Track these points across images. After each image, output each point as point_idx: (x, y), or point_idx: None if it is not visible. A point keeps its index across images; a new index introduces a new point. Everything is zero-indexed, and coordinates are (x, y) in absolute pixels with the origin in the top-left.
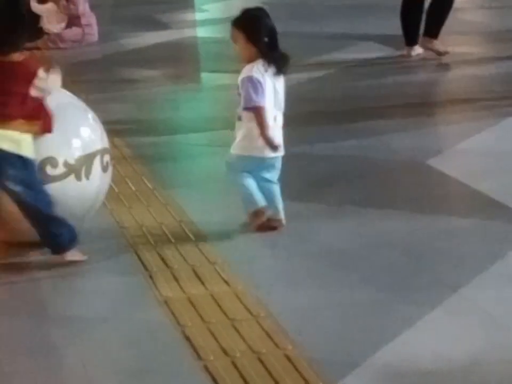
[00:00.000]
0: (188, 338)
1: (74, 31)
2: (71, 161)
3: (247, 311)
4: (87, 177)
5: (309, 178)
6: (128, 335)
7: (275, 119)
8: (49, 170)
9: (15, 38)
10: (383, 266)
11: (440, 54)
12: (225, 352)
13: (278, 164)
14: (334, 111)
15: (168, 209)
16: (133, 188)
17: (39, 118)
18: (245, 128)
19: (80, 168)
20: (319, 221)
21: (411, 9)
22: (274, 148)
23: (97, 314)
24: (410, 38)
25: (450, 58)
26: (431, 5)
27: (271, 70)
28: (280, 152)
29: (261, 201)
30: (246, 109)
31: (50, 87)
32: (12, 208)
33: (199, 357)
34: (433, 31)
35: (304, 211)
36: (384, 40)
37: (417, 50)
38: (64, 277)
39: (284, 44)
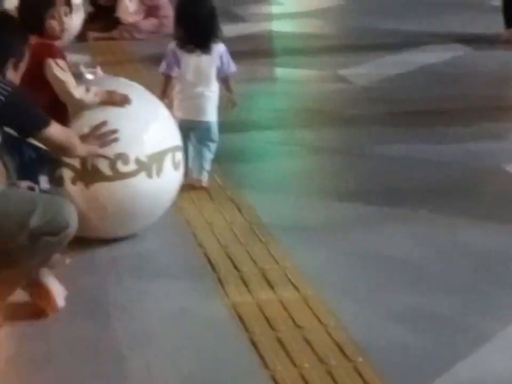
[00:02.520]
0: (255, 346)
1: (151, 22)
2: (143, 158)
3: (317, 320)
4: (158, 175)
5: (381, 182)
6: (194, 339)
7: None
8: (120, 166)
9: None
10: (458, 279)
11: None
12: (293, 362)
13: (206, 128)
14: (414, 110)
15: (239, 209)
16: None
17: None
18: None
19: (151, 165)
20: (393, 228)
21: None
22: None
23: (163, 317)
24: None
25: None
26: None
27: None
28: (203, 117)
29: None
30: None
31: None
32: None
33: (266, 366)
34: None
35: (377, 215)
36: (465, 39)
37: None
38: (131, 275)
39: (361, 41)
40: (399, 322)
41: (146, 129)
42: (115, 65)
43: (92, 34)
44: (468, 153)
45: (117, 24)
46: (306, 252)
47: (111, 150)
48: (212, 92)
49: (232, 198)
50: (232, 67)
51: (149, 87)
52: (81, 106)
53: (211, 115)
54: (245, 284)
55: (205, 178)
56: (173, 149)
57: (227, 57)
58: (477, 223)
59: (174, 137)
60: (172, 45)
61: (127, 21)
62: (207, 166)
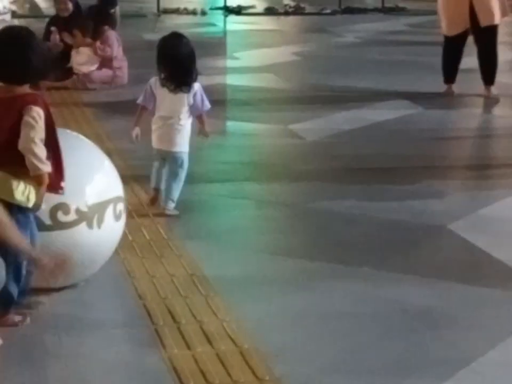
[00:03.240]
0: None
1: (105, 73)
2: (84, 209)
3: (252, 374)
4: (99, 225)
5: (326, 238)
6: None
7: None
8: (60, 216)
9: (17, 71)
10: (396, 332)
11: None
12: None
13: (176, 157)
14: (362, 167)
15: (181, 261)
16: (148, 237)
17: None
18: None
19: (92, 216)
20: (334, 282)
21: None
22: None
23: (98, 368)
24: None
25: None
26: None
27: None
28: (171, 148)
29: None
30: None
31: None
32: None
33: None
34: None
35: (320, 270)
36: (414, 97)
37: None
38: (69, 325)
39: (314, 96)
40: (336, 375)
41: (88, 180)
42: (66, 114)
43: (45, 83)
44: (412, 211)
45: (71, 74)
46: (246, 306)
47: (52, 199)
48: (182, 126)
49: (175, 249)
50: (206, 105)
51: (99, 136)
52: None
53: (180, 146)
54: (183, 336)
55: (170, 207)
56: (115, 200)
57: (201, 95)
58: (419, 282)
59: (116, 188)
60: (152, 80)
61: (80, 71)
62: (174, 195)
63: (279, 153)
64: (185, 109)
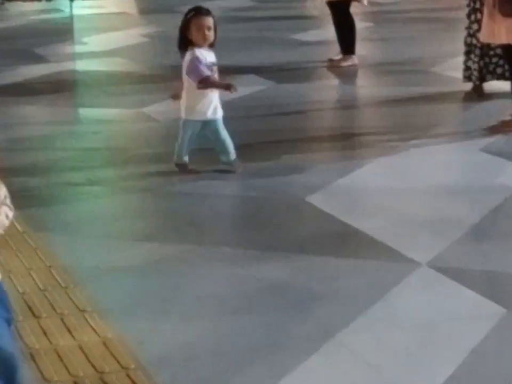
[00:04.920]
0: None
1: None
2: None
3: (117, 363)
4: None
5: (188, 220)
6: None
7: None
8: None
9: None
10: (260, 312)
11: None
12: None
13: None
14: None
15: (38, 253)
16: (1, 231)
17: None
18: None
19: None
20: (193, 265)
21: None
22: None
23: None
24: None
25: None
26: None
27: None
28: None
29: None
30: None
31: None
32: None
33: None
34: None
35: (177, 253)
36: (265, 71)
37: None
38: None
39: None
40: (200, 359)
41: None
42: None
43: None
44: (270, 186)
45: None
46: (107, 295)
47: None
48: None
49: (31, 242)
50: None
51: None
52: None
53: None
54: (44, 331)
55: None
56: None
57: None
58: (278, 257)
59: None
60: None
61: None
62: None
63: (134, 138)
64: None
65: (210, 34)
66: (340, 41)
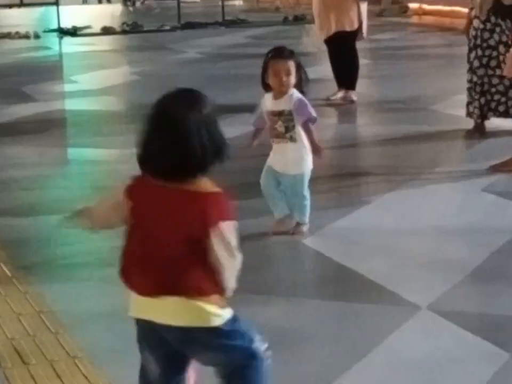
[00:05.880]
0: None
1: None
2: None
3: None
4: None
5: None
6: None
7: None
8: None
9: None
10: None
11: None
12: None
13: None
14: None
15: (28, 298)
16: None
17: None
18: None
19: None
20: None
21: None
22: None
23: None
24: None
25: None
26: None
27: None
28: None
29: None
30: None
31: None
32: None
33: None
34: None
35: None
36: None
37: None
38: None
39: None
40: None
41: None
42: None
43: None
44: (267, 226)
45: None
46: (99, 340)
47: None
48: None
49: (20, 287)
50: None
51: None
52: None
53: None
54: (33, 378)
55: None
56: None
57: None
58: (271, 301)
59: None
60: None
61: None
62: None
63: (124, 179)
64: None
65: (288, 80)
66: (337, 77)
